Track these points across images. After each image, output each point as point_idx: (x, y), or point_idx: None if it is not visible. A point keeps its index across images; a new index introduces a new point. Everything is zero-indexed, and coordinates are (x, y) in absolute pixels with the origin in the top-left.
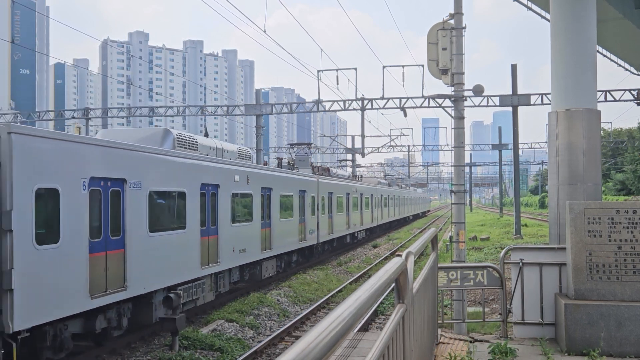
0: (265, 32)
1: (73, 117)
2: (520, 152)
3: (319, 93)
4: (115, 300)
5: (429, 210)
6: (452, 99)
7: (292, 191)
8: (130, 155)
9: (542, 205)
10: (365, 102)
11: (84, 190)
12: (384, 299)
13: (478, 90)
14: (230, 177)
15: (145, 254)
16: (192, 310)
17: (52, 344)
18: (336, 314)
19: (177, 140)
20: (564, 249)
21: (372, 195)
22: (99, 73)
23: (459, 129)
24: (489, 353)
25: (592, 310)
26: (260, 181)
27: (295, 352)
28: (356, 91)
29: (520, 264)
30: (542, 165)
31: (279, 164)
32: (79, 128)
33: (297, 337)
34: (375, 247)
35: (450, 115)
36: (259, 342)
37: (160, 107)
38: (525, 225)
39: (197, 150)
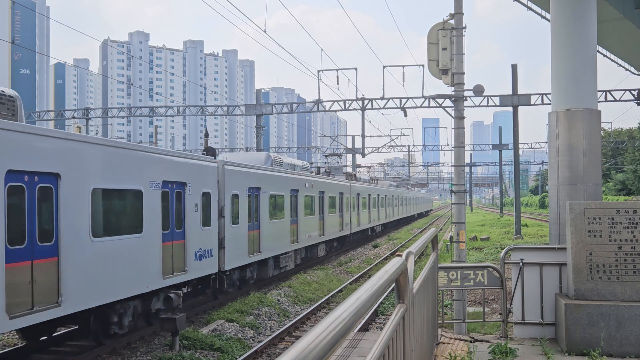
0: (265, 32)
1: (73, 117)
2: (520, 152)
3: (319, 93)
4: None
5: (431, 210)
6: (453, 99)
7: (336, 193)
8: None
9: (543, 205)
10: (366, 102)
11: None
12: (384, 299)
13: (478, 90)
14: (303, 184)
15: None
16: (193, 310)
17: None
18: (336, 314)
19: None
20: (564, 249)
21: (386, 196)
22: (99, 73)
23: (459, 129)
24: (489, 353)
25: (593, 311)
26: (320, 186)
27: (295, 352)
28: (356, 91)
29: (521, 264)
30: (543, 165)
31: (318, 172)
32: (79, 128)
33: (298, 337)
34: (375, 247)
35: (451, 115)
36: (259, 342)
37: (161, 107)
38: (526, 225)
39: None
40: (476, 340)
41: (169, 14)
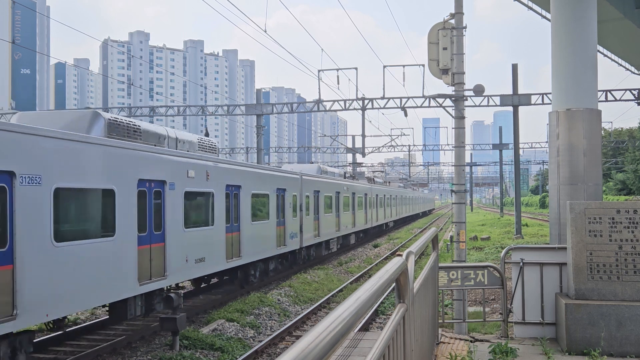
0: (265, 31)
1: None
2: (520, 152)
3: (319, 93)
4: None
5: (433, 209)
6: (453, 98)
7: (362, 194)
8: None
9: (543, 205)
10: (366, 101)
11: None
12: (384, 299)
13: (478, 90)
14: (343, 187)
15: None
16: (193, 309)
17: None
18: (337, 313)
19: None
20: (565, 248)
21: (397, 196)
22: (99, 73)
23: (459, 129)
24: (489, 353)
25: (593, 310)
26: (352, 189)
27: (295, 352)
28: (357, 91)
29: (521, 263)
30: (543, 165)
31: (344, 176)
32: None
33: (298, 337)
34: (375, 247)
35: (451, 115)
36: (260, 341)
37: (161, 106)
38: (526, 225)
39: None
40: (476, 340)
41: (169, 14)
